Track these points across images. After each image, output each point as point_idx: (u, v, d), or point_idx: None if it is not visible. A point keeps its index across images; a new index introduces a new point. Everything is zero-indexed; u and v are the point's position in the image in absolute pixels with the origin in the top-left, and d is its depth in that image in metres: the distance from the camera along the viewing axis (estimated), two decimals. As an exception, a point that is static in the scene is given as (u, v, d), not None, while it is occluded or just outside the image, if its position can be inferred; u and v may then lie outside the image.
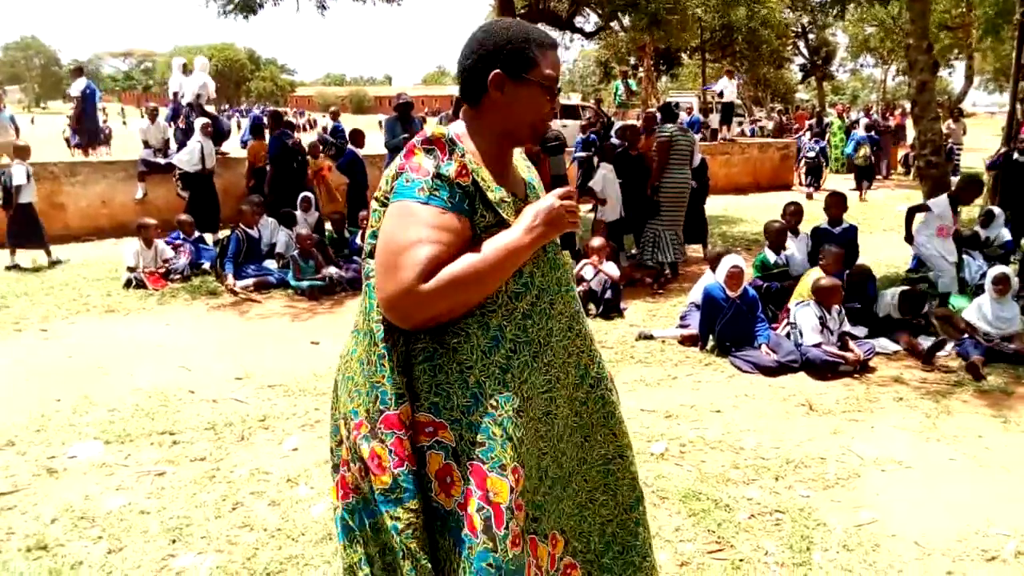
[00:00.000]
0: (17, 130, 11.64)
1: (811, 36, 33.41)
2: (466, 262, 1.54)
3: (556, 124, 20.39)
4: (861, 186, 15.28)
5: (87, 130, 11.85)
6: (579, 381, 1.79)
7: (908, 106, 10.05)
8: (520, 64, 1.64)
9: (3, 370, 5.25)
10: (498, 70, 1.64)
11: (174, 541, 3.09)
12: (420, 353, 1.60)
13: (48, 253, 8.62)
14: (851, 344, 5.33)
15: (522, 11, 10.79)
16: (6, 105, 13.39)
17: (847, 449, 4.03)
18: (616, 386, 1.93)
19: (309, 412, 4.50)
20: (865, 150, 15.32)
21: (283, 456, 3.92)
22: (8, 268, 8.26)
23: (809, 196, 14.53)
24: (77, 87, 12.32)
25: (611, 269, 6.69)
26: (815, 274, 5.89)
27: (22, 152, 8.72)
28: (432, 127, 1.71)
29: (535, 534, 1.68)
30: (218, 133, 11.36)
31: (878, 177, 17.45)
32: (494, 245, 1.57)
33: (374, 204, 1.67)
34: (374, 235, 1.64)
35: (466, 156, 1.62)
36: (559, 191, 1.64)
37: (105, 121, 20.34)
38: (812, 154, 16.64)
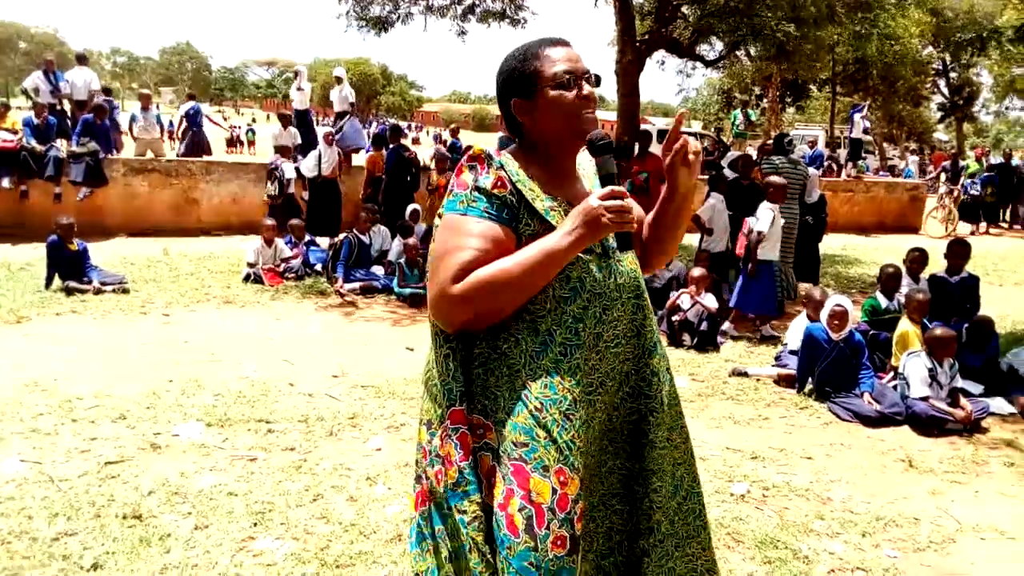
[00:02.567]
0: (162, 128, 12.61)
1: (953, 75, 31.63)
2: (497, 265, 1.60)
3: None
4: (978, 222, 16.19)
5: (193, 143, 13.82)
6: (617, 387, 1.77)
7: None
8: (526, 81, 1.71)
9: (127, 349, 5.68)
10: (514, 99, 1.73)
11: (255, 524, 3.25)
12: (476, 358, 1.70)
13: None
14: (962, 401, 5.00)
15: (644, 36, 10.76)
16: (158, 105, 14.62)
17: (944, 512, 3.78)
18: (665, 408, 1.82)
19: (396, 415, 4.63)
20: (991, 188, 16.31)
21: (366, 455, 4.05)
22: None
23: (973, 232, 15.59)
24: (184, 108, 14.43)
25: (709, 301, 6.56)
26: (904, 324, 5.60)
27: (286, 152, 10.53)
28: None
29: None
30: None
31: (1016, 227, 17.25)
32: (529, 249, 1.61)
33: (436, 220, 1.77)
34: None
35: (506, 168, 1.68)
36: (600, 192, 1.61)
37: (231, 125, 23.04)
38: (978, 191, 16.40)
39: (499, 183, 1.66)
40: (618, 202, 1.58)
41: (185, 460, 3.85)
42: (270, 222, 8.53)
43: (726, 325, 6.98)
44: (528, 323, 1.66)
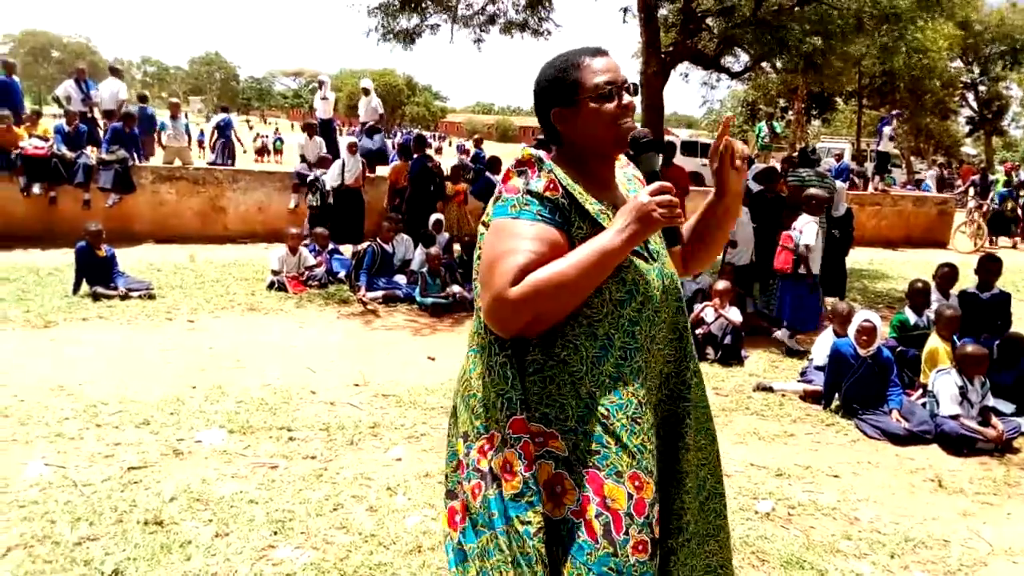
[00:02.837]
0: (190, 137, 12.78)
1: (981, 88, 31.20)
2: (553, 267, 1.57)
3: (697, 163, 20.27)
4: (998, 236, 16.55)
5: (224, 151, 14.30)
6: (657, 389, 1.78)
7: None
8: (567, 91, 1.71)
9: (152, 355, 5.72)
10: (554, 108, 1.73)
11: (276, 533, 3.24)
12: (530, 365, 1.66)
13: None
14: (993, 420, 4.89)
15: (668, 48, 10.73)
16: (186, 114, 14.89)
17: (975, 534, 3.69)
18: (699, 410, 1.85)
19: (416, 425, 4.62)
20: (1011, 203, 16.76)
21: (386, 464, 4.04)
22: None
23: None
24: (216, 119, 15.33)
25: (733, 314, 6.50)
26: (934, 340, 5.50)
27: (326, 163, 10.66)
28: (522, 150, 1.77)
29: None
30: (381, 153, 12.26)
31: None
32: (583, 248, 1.60)
33: (480, 228, 1.75)
34: (479, 256, 1.72)
35: (555, 171, 1.68)
36: (649, 188, 1.64)
37: (257, 134, 23.46)
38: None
39: (551, 186, 1.66)
40: (668, 197, 1.61)
41: (207, 467, 3.86)
42: (295, 231, 8.60)
43: (781, 333, 6.93)
44: (585, 327, 1.64)
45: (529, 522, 1.59)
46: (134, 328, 6.46)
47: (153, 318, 6.76)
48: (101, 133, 11.69)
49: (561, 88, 1.71)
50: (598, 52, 1.74)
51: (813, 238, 6.69)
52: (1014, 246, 16.33)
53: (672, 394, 1.80)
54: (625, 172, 1.90)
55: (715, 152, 1.83)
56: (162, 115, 13.82)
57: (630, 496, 1.59)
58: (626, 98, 1.71)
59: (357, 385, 5.33)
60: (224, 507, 3.43)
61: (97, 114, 12.47)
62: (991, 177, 19.47)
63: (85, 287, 7.31)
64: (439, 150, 37.84)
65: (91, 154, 10.56)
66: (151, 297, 7.35)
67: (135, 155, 11.14)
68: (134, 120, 11.47)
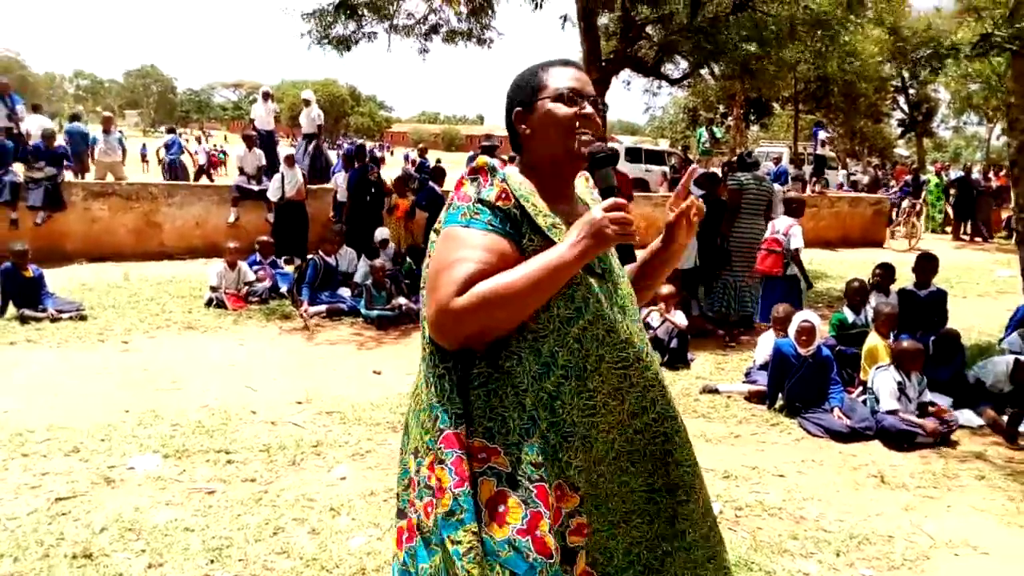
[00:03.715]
0: (124, 151, 12.40)
1: (911, 91, 32.32)
2: (501, 278, 1.54)
3: (640, 169, 20.55)
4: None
5: (173, 170, 14.79)
6: (639, 411, 1.72)
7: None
8: (530, 93, 1.72)
9: (83, 379, 5.49)
10: (516, 108, 1.73)
11: (212, 561, 3.12)
12: (476, 378, 1.61)
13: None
14: (933, 409, 5.00)
15: (609, 56, 10.83)
16: (120, 129, 14.50)
17: (918, 528, 3.76)
18: (684, 426, 1.81)
19: (361, 442, 4.51)
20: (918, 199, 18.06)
21: (330, 484, 3.93)
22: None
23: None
24: (165, 139, 15.98)
25: (679, 318, 6.54)
26: (872, 338, 5.63)
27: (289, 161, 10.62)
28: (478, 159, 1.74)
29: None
30: (325, 164, 12.13)
31: (976, 239, 17.83)
32: (533, 261, 1.56)
33: (432, 236, 1.71)
34: (427, 264, 1.68)
35: (509, 181, 1.65)
36: (604, 203, 1.60)
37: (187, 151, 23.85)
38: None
39: (503, 195, 1.63)
40: (622, 213, 1.58)
41: (140, 494, 3.70)
42: (233, 245, 8.38)
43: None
44: (530, 342, 1.60)
45: (459, 542, 1.53)
46: (64, 351, 6.20)
47: (85, 340, 6.50)
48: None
49: (524, 89, 1.72)
50: (568, 63, 1.76)
51: (801, 240, 6.89)
52: (956, 237, 17.62)
53: (660, 416, 1.76)
54: (591, 190, 1.88)
55: (676, 204, 1.81)
56: (96, 130, 13.38)
57: (553, 505, 1.57)
58: (588, 108, 1.69)
59: (300, 403, 5.20)
60: (158, 536, 3.29)
61: (23, 128, 11.99)
62: (923, 177, 20.13)
63: (12, 310, 7.01)
64: (382, 160, 37.55)
65: (18, 171, 10.14)
66: (82, 318, 7.07)
67: (63, 171, 10.74)
68: (54, 138, 11.06)
